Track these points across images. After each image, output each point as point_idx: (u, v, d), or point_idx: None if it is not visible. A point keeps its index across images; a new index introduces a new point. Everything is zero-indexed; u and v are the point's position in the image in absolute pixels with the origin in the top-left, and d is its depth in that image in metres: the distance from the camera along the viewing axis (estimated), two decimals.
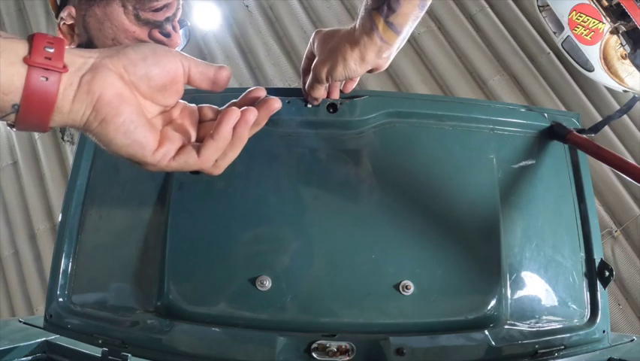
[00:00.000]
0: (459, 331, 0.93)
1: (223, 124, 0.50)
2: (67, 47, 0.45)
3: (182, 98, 0.56)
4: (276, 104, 0.54)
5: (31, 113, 0.43)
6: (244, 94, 0.58)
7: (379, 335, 0.91)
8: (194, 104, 0.57)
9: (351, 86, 0.97)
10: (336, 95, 0.96)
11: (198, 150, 0.51)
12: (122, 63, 0.46)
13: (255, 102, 0.55)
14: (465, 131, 1.05)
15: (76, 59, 0.45)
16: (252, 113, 0.52)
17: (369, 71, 0.82)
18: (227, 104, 0.56)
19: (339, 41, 0.78)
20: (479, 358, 0.92)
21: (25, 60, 0.42)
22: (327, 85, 0.88)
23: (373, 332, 0.92)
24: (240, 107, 0.52)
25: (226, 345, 0.91)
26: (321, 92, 0.89)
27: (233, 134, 0.51)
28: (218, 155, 0.52)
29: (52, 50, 0.43)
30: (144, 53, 0.48)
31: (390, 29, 0.73)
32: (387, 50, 0.77)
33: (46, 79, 0.42)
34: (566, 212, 1.05)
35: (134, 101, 0.47)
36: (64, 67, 0.43)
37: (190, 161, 0.51)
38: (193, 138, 0.55)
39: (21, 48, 0.42)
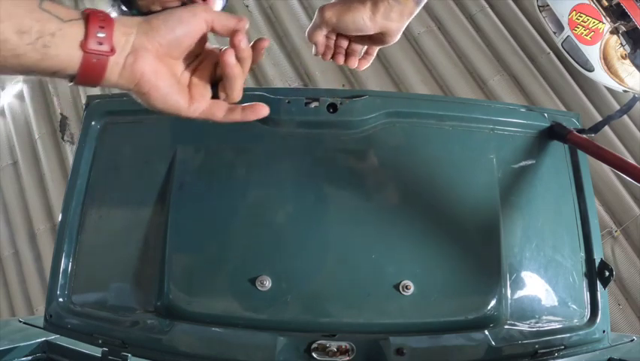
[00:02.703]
0: (459, 331, 0.93)
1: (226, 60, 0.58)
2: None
3: None
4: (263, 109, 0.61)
5: (84, 81, 0.53)
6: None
7: (379, 335, 0.91)
8: (215, 47, 0.64)
9: (366, 64, 0.89)
10: (353, 64, 0.87)
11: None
12: (157, 40, 0.54)
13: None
14: (465, 131, 1.05)
15: (120, 39, 0.52)
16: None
17: (372, 42, 0.80)
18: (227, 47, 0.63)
19: None
20: (479, 358, 0.92)
21: (81, 46, 0.50)
22: (327, 32, 0.81)
23: (373, 332, 0.92)
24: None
25: (226, 345, 0.91)
26: (319, 38, 0.81)
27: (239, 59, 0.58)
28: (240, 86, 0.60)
29: (103, 35, 0.50)
30: (172, 25, 0.55)
31: None
32: (398, 10, 0.75)
33: (97, 60, 0.51)
34: (566, 212, 1.05)
35: (167, 75, 0.57)
36: (112, 50, 0.51)
37: (217, 113, 0.61)
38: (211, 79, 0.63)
39: (78, 32, 0.50)
